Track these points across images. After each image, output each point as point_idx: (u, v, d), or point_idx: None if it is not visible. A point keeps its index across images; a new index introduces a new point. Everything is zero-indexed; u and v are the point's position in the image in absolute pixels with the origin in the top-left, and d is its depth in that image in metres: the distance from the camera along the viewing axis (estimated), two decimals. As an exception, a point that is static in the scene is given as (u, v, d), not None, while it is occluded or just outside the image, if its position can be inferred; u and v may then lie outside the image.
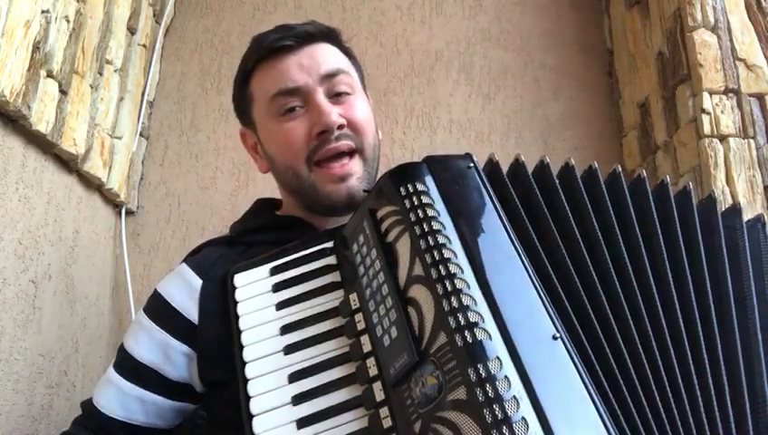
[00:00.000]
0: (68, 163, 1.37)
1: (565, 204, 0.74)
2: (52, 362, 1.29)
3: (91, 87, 1.43)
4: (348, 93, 0.93)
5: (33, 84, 1.17)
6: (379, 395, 0.65)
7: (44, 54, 1.21)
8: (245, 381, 0.72)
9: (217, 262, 0.89)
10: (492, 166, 0.77)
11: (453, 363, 0.58)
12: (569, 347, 0.61)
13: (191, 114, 1.83)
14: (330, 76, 0.91)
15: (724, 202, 1.31)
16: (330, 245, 0.81)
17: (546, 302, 0.64)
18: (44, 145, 1.27)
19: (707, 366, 0.69)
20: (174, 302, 0.87)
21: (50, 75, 1.25)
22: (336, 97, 0.92)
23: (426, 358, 0.60)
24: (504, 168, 0.78)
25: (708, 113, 1.41)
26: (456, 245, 0.66)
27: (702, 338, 0.70)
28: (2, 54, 1.07)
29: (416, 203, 0.69)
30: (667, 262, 0.74)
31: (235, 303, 0.78)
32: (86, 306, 1.45)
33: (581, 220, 0.74)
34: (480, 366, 0.56)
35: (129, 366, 0.87)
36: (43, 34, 1.20)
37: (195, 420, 1.00)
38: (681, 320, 0.71)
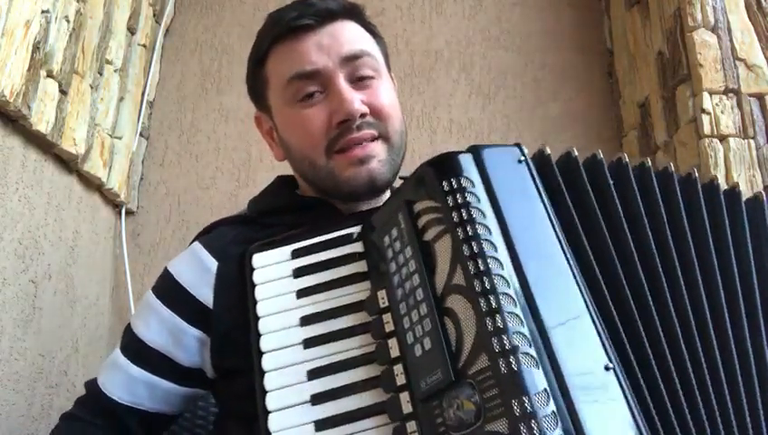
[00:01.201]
0: (68, 163, 1.37)
1: (619, 209, 0.69)
2: (52, 362, 1.29)
3: (91, 87, 1.43)
4: (371, 77, 0.85)
5: (33, 84, 1.17)
6: (407, 407, 0.61)
7: (44, 54, 1.21)
8: (262, 372, 0.68)
9: (234, 241, 0.84)
10: (542, 159, 0.70)
11: (495, 391, 0.53)
12: (621, 380, 0.57)
13: (191, 114, 1.83)
14: (352, 58, 0.84)
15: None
16: (356, 230, 0.75)
17: (600, 327, 0.59)
18: (44, 145, 1.27)
19: (760, 404, 0.67)
20: (187, 284, 0.82)
21: (50, 75, 1.25)
22: (358, 81, 0.84)
23: (462, 379, 0.56)
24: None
25: (708, 113, 1.41)
26: (503, 254, 0.60)
27: (756, 374, 0.68)
28: (2, 54, 1.07)
29: (459, 201, 0.62)
30: (718, 274, 0.70)
31: (253, 285, 0.73)
32: (86, 306, 1.45)
33: (635, 228, 0.69)
34: (525, 399, 0.52)
35: (137, 350, 0.83)
36: (43, 34, 1.20)
37: (194, 420, 1.00)
38: (734, 347, 0.68)
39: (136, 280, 1.64)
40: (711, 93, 1.42)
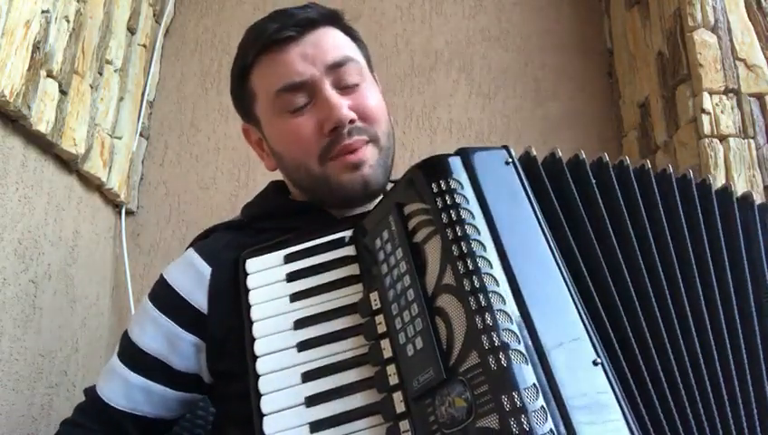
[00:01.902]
0: (68, 163, 1.37)
1: (602, 206, 0.71)
2: (52, 362, 1.29)
3: (91, 87, 1.43)
4: (357, 83, 0.86)
5: (33, 84, 1.17)
6: (400, 407, 0.62)
7: (44, 54, 1.21)
8: (256, 376, 0.69)
9: (227, 246, 0.84)
10: (528, 160, 0.72)
11: (485, 388, 0.54)
12: (609, 374, 0.58)
13: (191, 114, 1.83)
14: (337, 66, 0.85)
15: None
16: (348, 233, 0.76)
17: (587, 323, 0.60)
18: (44, 145, 1.27)
19: (740, 401, 0.68)
20: (182, 290, 0.83)
21: (50, 75, 1.25)
22: (344, 88, 0.86)
23: (454, 377, 0.57)
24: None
25: (708, 113, 1.41)
26: (492, 253, 0.61)
27: (733, 368, 0.69)
28: (2, 54, 1.07)
29: (448, 202, 0.64)
30: (694, 264, 0.72)
31: (247, 290, 0.75)
32: (86, 306, 1.45)
33: (618, 225, 0.70)
34: (515, 394, 0.53)
35: (133, 356, 0.84)
36: (43, 34, 1.20)
37: (194, 421, 1.00)
38: (713, 341, 0.69)
39: (136, 280, 1.64)
40: (711, 93, 1.42)
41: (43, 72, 1.21)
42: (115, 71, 1.56)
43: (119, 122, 1.59)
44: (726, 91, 1.43)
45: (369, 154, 0.85)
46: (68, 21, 1.31)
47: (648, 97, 1.64)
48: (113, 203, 1.62)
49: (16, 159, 1.19)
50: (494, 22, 1.92)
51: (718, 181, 1.35)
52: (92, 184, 1.50)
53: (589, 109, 1.83)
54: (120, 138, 1.60)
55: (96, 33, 1.45)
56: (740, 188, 1.34)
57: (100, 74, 1.48)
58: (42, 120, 1.21)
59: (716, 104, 1.41)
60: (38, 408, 1.23)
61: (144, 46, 1.74)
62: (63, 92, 1.30)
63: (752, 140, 1.39)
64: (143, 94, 1.74)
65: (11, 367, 1.15)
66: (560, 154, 0.73)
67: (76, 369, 1.39)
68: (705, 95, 1.42)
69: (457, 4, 1.94)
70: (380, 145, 0.87)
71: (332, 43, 0.87)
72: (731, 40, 1.46)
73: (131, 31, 1.66)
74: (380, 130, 0.87)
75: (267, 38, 0.87)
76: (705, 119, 1.40)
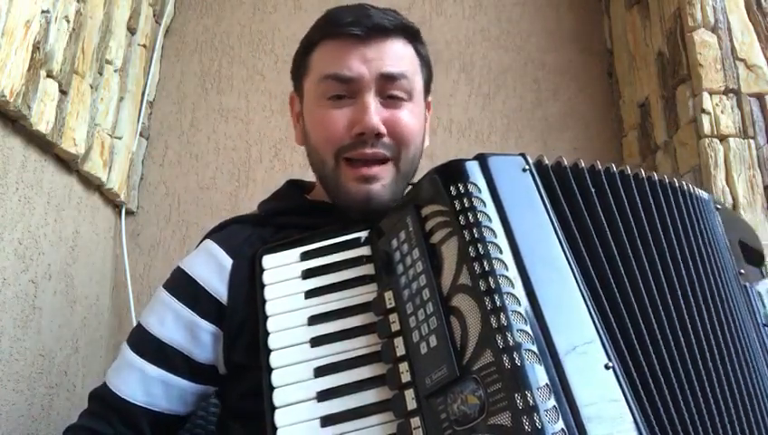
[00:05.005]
0: (68, 163, 1.37)
1: (600, 213, 0.72)
2: (52, 362, 1.29)
3: (91, 87, 1.43)
4: (402, 99, 0.88)
5: (33, 84, 1.17)
6: (411, 404, 0.63)
7: (44, 54, 1.21)
8: (270, 369, 0.70)
9: (247, 241, 0.86)
10: (541, 168, 0.73)
11: (498, 386, 0.55)
12: (620, 378, 0.59)
13: (191, 114, 1.83)
14: (389, 78, 0.87)
15: (724, 202, 1.31)
16: (364, 234, 0.78)
17: (600, 328, 0.62)
18: (44, 145, 1.27)
19: (759, 404, 0.69)
20: (202, 281, 0.84)
21: (50, 75, 1.25)
22: (389, 99, 0.87)
23: (467, 374, 0.58)
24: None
25: (708, 113, 1.41)
26: (507, 256, 0.63)
27: (753, 370, 0.71)
28: (2, 54, 1.07)
29: (466, 205, 0.66)
30: (668, 260, 0.74)
31: (263, 286, 0.76)
32: (86, 306, 1.45)
33: (615, 231, 0.71)
34: (528, 393, 0.54)
35: (152, 348, 0.83)
36: (43, 34, 1.20)
37: (194, 421, 1.00)
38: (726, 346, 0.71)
39: (136, 280, 1.64)
40: (711, 93, 1.42)
41: (43, 72, 1.21)
42: (115, 71, 1.56)
43: (119, 122, 1.59)
44: (726, 91, 1.43)
45: (384, 173, 0.87)
46: (68, 21, 1.31)
47: (648, 97, 1.64)
48: (113, 203, 1.62)
49: (16, 159, 1.19)
50: (494, 22, 1.92)
51: (719, 181, 1.35)
52: (92, 184, 1.50)
53: (589, 109, 1.83)
54: (120, 138, 1.60)
55: (96, 33, 1.45)
56: (740, 188, 1.34)
57: (100, 74, 1.48)
58: (42, 121, 1.21)
59: (716, 104, 1.42)
60: (38, 408, 1.23)
61: (144, 46, 1.74)
62: (63, 92, 1.30)
63: (752, 140, 1.39)
64: (143, 94, 1.74)
65: (11, 367, 1.15)
66: (565, 163, 0.74)
67: (76, 369, 1.39)
68: (705, 95, 1.42)
69: (457, 4, 1.94)
70: (399, 166, 0.88)
71: (395, 55, 0.89)
72: (731, 40, 1.46)
73: (131, 31, 1.66)
74: (405, 152, 0.88)
75: (336, 27, 0.89)
76: (705, 119, 1.40)
